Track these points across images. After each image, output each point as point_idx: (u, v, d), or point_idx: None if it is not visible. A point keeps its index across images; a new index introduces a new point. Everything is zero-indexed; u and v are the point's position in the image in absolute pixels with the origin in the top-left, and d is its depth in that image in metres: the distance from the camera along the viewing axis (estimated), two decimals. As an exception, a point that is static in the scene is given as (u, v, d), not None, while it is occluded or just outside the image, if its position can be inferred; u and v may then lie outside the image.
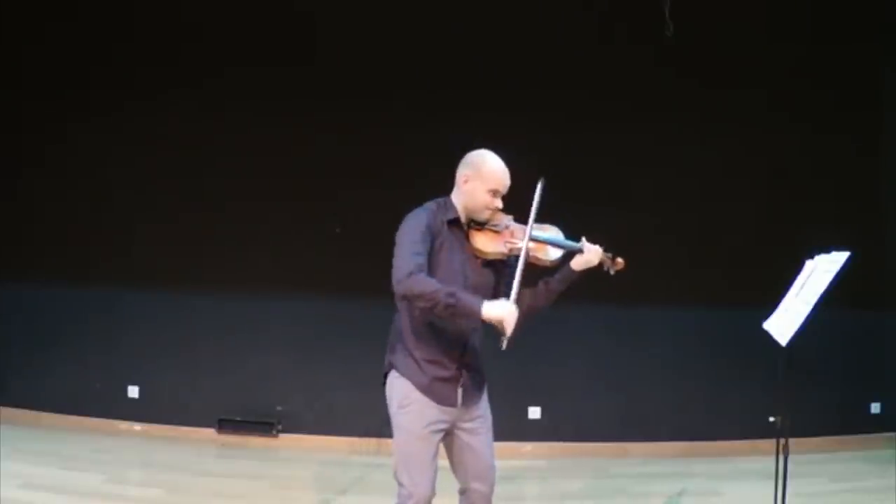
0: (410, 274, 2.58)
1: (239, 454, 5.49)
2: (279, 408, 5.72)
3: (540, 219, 2.83)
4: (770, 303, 3.43)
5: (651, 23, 5.25)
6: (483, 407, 2.94)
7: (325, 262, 5.62)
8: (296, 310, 5.66)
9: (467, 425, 2.88)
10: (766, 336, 3.31)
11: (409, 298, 2.63)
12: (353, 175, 5.60)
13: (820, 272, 3.10)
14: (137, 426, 5.76)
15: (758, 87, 5.60)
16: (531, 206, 2.79)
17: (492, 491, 2.93)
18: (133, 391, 5.78)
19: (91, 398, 5.77)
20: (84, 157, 5.77)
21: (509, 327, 2.56)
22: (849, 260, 2.97)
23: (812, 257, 3.29)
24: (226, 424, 5.70)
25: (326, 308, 5.64)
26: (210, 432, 5.71)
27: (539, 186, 2.82)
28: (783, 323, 3.20)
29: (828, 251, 3.14)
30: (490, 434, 2.94)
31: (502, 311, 2.56)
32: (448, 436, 2.87)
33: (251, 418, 5.69)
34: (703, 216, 5.65)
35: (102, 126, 5.74)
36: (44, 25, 5.77)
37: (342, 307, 5.60)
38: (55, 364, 5.75)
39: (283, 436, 5.71)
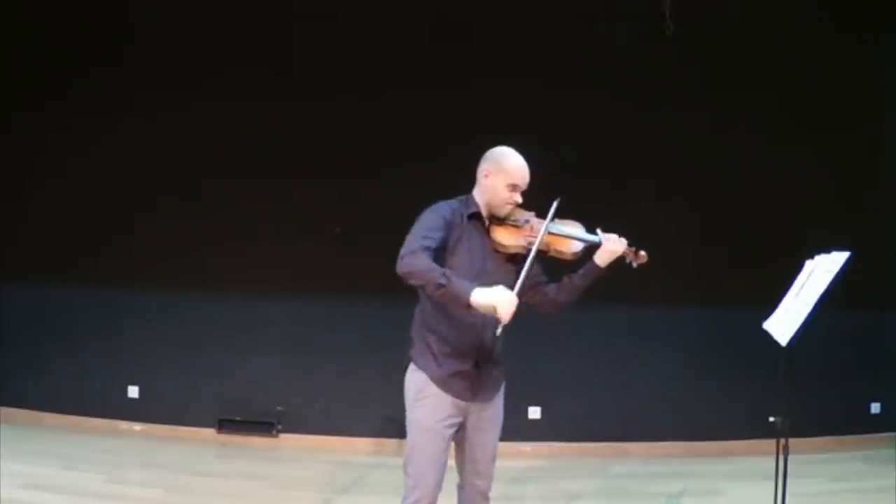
0: (413, 252, 2.56)
1: (239, 454, 5.49)
2: (279, 408, 5.72)
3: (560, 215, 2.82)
4: (770, 303, 3.43)
5: (652, 22, 5.26)
6: (497, 405, 2.95)
7: (325, 263, 5.62)
8: (296, 310, 5.66)
9: (478, 423, 2.88)
10: (766, 336, 3.30)
11: (405, 276, 2.56)
12: (354, 175, 5.60)
13: (820, 272, 3.09)
14: (137, 426, 5.76)
15: (757, 87, 5.61)
16: (546, 216, 2.79)
17: (489, 487, 2.95)
18: (133, 391, 5.78)
19: (91, 398, 5.77)
20: (84, 157, 5.78)
21: (504, 315, 2.48)
22: (849, 260, 2.97)
23: (812, 257, 3.29)
24: (226, 424, 5.70)
25: (326, 308, 5.64)
26: (210, 432, 5.71)
27: (554, 205, 2.80)
28: (783, 323, 3.19)
29: (828, 251, 3.13)
30: (497, 433, 2.95)
31: (495, 298, 2.48)
32: (458, 430, 2.87)
33: (251, 418, 5.69)
34: (703, 216, 5.65)
35: (103, 126, 5.74)
36: (43, 25, 5.77)
37: (342, 307, 5.61)
38: (55, 364, 5.75)
39: (283, 436, 5.72)
